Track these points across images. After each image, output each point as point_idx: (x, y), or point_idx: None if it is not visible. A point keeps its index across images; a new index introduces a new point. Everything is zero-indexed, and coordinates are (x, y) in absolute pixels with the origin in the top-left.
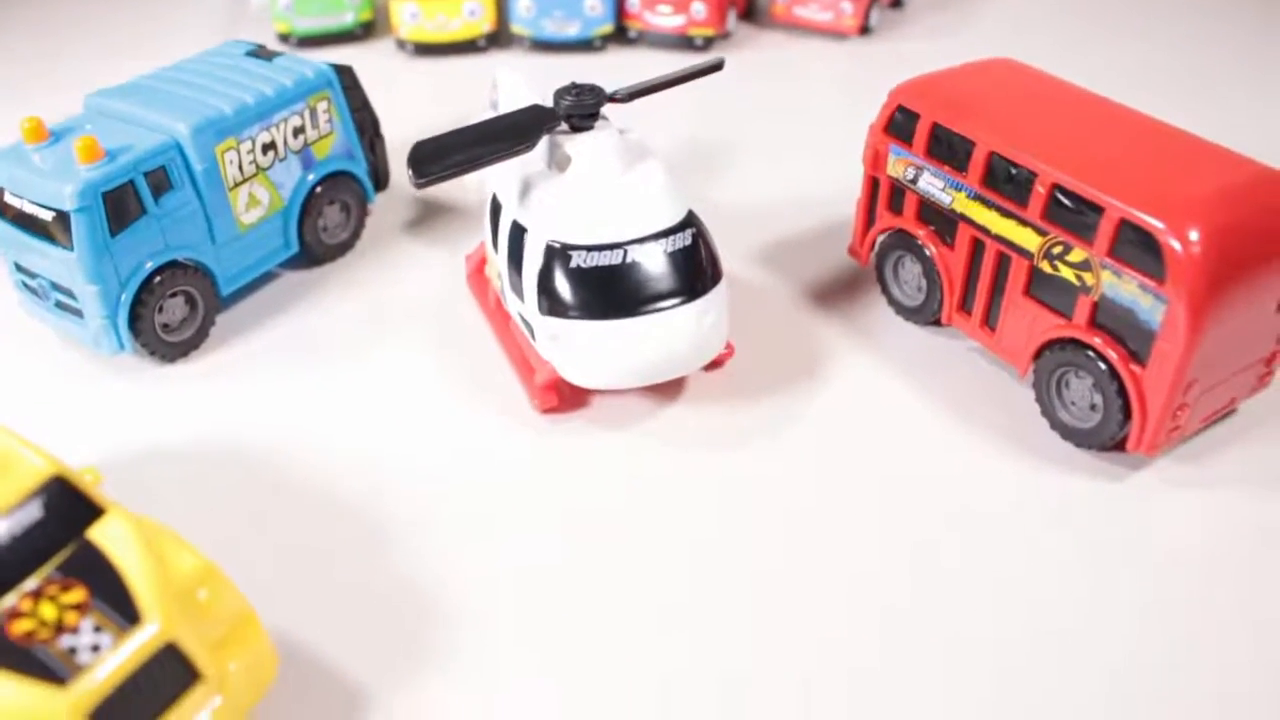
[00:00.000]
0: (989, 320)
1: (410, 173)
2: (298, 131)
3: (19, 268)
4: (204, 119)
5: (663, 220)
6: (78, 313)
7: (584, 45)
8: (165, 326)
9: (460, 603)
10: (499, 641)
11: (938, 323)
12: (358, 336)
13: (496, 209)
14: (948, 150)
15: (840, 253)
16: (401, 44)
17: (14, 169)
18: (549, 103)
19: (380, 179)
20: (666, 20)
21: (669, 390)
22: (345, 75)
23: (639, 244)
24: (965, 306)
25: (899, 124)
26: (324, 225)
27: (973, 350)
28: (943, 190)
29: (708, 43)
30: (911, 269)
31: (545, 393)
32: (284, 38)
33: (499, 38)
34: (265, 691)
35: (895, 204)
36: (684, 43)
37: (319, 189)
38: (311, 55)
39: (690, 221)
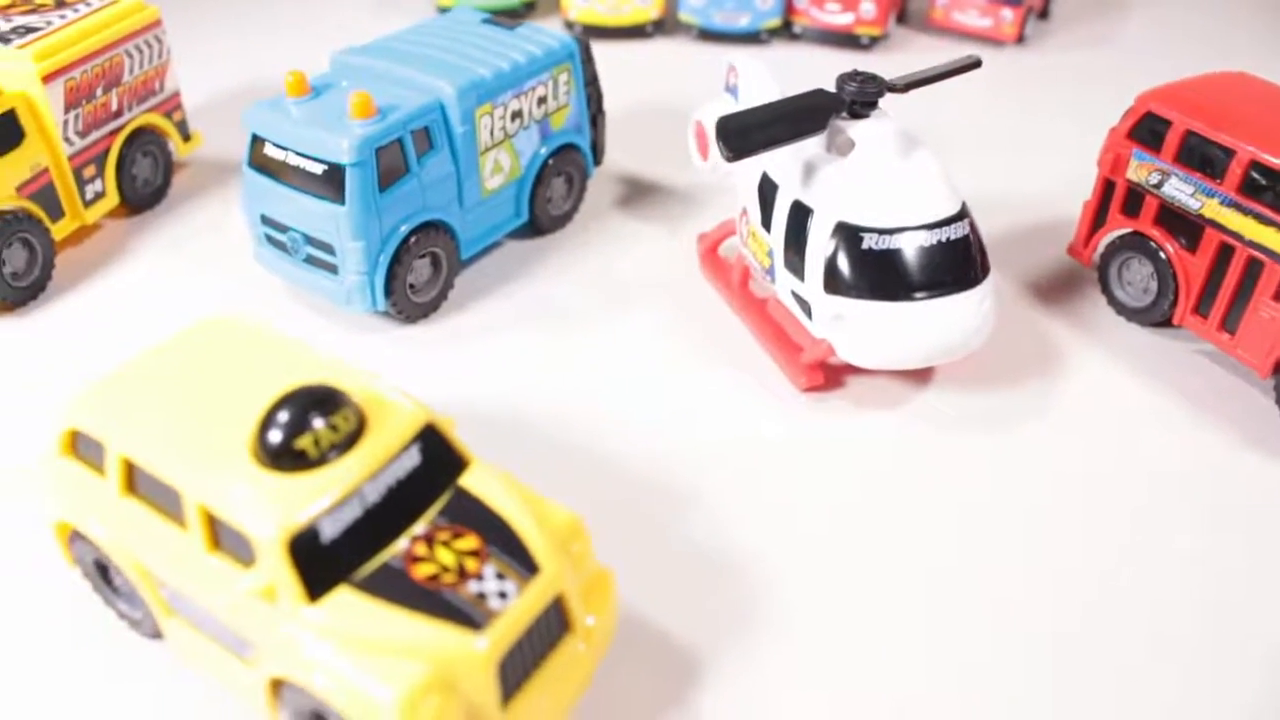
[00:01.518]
0: (1227, 323)
1: (721, 145)
2: (541, 101)
3: (266, 220)
4: (468, 81)
5: (944, 209)
6: (331, 268)
7: (750, 38)
8: (411, 287)
9: (756, 568)
10: (797, 603)
11: (1163, 324)
12: (592, 307)
13: (768, 189)
14: (1200, 157)
15: (1048, 253)
16: (570, 25)
17: (278, 121)
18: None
19: (599, 154)
20: (834, 18)
21: (919, 376)
22: (582, 48)
23: (925, 230)
24: (1201, 309)
25: (1145, 130)
26: (550, 196)
27: (1200, 352)
28: (1192, 196)
29: (873, 42)
30: (1140, 270)
31: (812, 372)
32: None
33: (665, 25)
34: (609, 647)
35: (1130, 207)
36: (849, 40)
37: (551, 160)
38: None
39: (966, 212)
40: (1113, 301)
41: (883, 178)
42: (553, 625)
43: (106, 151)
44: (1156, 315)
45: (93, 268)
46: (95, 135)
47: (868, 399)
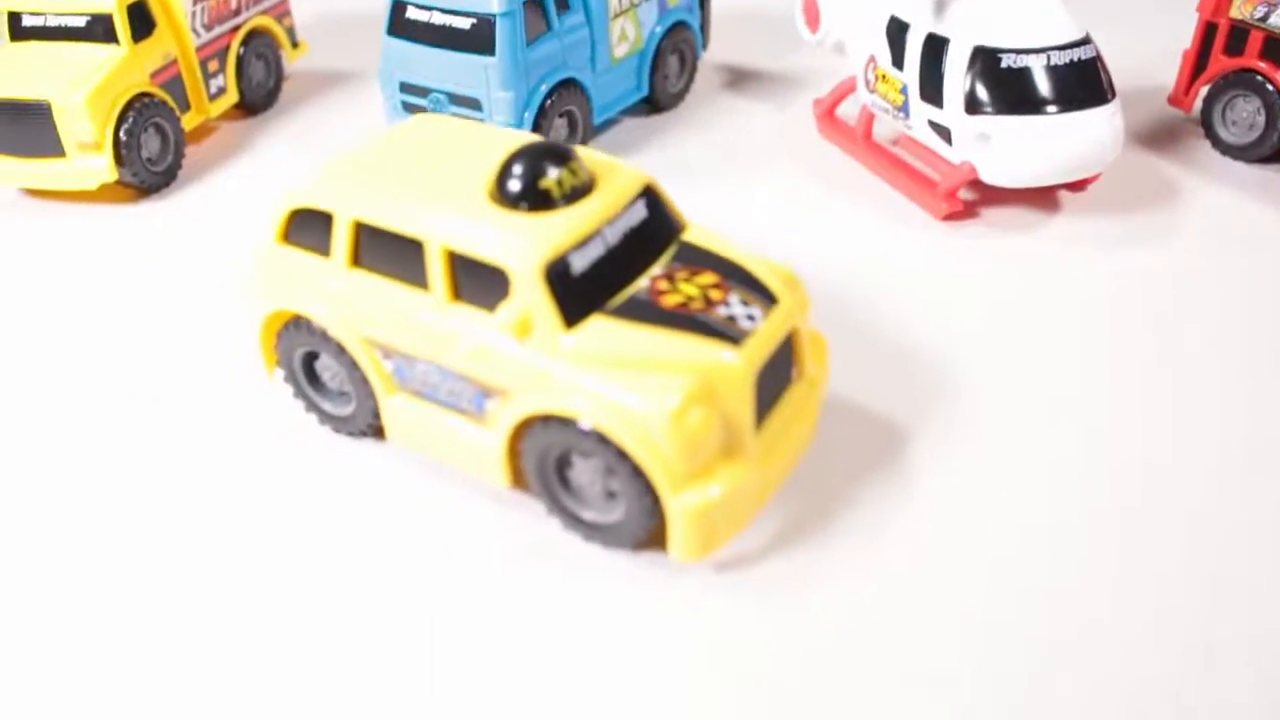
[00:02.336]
0: None
1: None
2: None
3: (405, 87)
4: None
5: (1073, 33)
6: None
7: None
8: None
9: (928, 357)
10: (976, 389)
11: (1269, 158)
12: (718, 169)
13: (897, 30)
14: None
15: (1145, 109)
16: None
17: None
18: None
19: (705, 37)
20: None
21: (1045, 203)
22: None
23: (1057, 50)
24: None
25: None
26: (666, 73)
27: None
28: None
29: None
30: (1245, 108)
31: (951, 198)
32: None
33: None
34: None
35: (1234, 46)
36: None
37: (666, 36)
38: None
39: (1091, 39)
40: (1218, 143)
41: (1011, 6)
42: (788, 363)
43: (227, 49)
44: (1265, 149)
45: (217, 161)
46: (218, 30)
47: (999, 223)
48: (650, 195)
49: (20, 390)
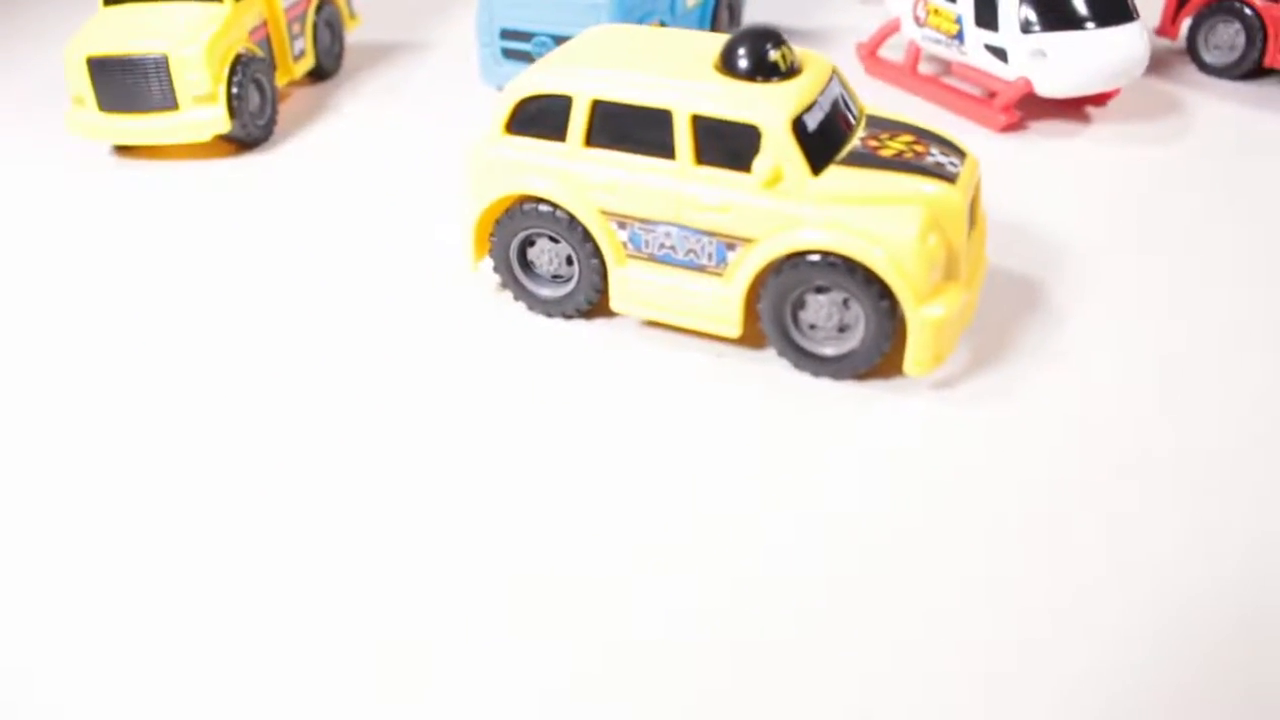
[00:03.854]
0: None
1: None
2: None
3: (507, 34)
4: None
5: None
6: None
7: None
8: None
9: (1022, 244)
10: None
11: (1249, 74)
12: None
13: None
14: None
15: None
16: None
17: None
18: None
19: None
20: None
21: (1076, 115)
22: None
23: None
24: None
25: None
26: (719, 27)
27: None
28: None
29: None
30: (1225, 31)
31: (1009, 110)
32: None
33: None
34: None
35: None
36: None
37: None
38: None
39: None
40: (1203, 66)
41: None
42: (974, 204)
43: (305, 13)
44: (1246, 66)
45: (304, 119)
46: None
47: (1047, 131)
48: (837, 76)
49: (249, 325)
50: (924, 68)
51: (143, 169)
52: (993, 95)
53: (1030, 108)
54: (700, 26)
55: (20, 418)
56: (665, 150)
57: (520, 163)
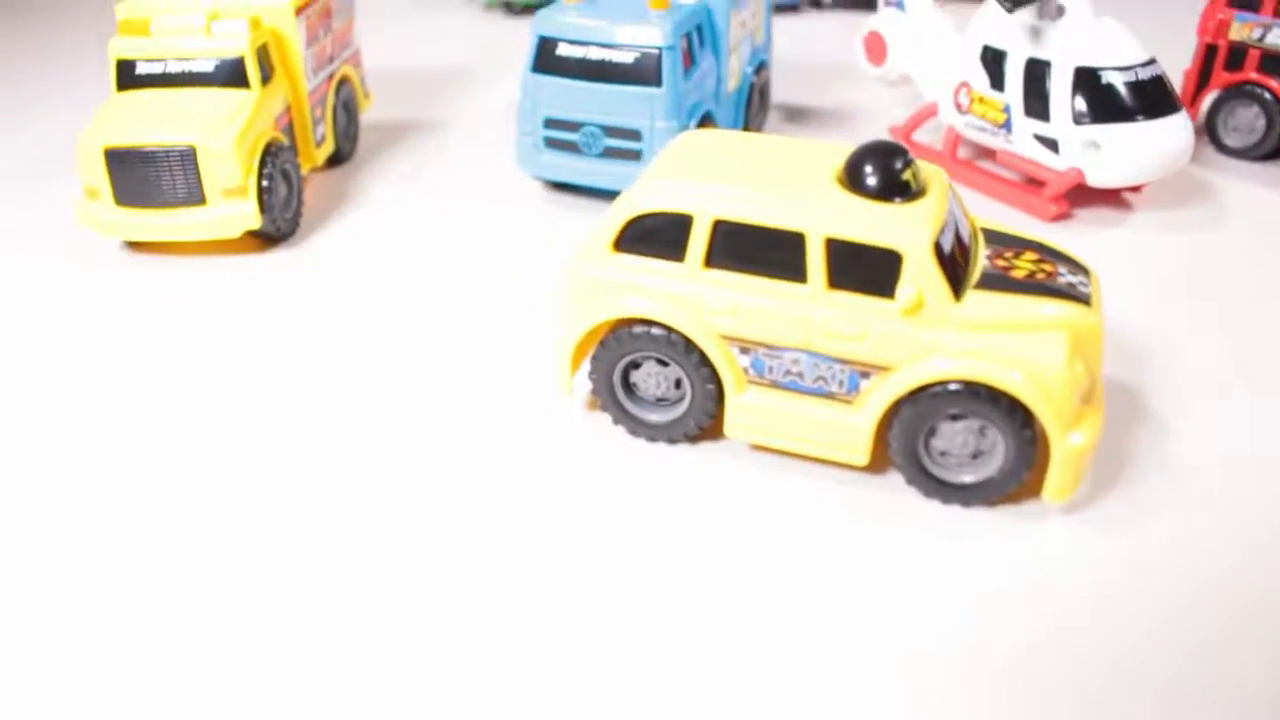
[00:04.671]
0: None
1: (1005, 3)
2: (753, 14)
3: (552, 122)
4: None
5: (1144, 53)
6: (633, 155)
7: (790, 8)
8: None
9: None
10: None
11: (1268, 156)
12: None
13: (993, 57)
14: None
15: None
16: None
17: (574, 20)
18: None
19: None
20: None
21: (1117, 202)
22: None
23: (1140, 67)
24: None
25: None
26: (752, 110)
27: None
28: None
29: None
30: (1245, 114)
31: (1060, 200)
32: (508, 4)
33: None
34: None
35: (1233, 63)
36: (870, 4)
37: (755, 74)
38: (529, 21)
39: (1154, 58)
40: (1222, 147)
41: (1096, 31)
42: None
43: (325, 96)
44: (1266, 148)
45: (327, 209)
46: (320, 77)
47: (1094, 220)
48: (952, 188)
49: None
50: (959, 152)
51: (156, 265)
52: (1038, 184)
53: (1072, 195)
54: (736, 109)
55: (42, 545)
56: (795, 273)
57: (631, 283)
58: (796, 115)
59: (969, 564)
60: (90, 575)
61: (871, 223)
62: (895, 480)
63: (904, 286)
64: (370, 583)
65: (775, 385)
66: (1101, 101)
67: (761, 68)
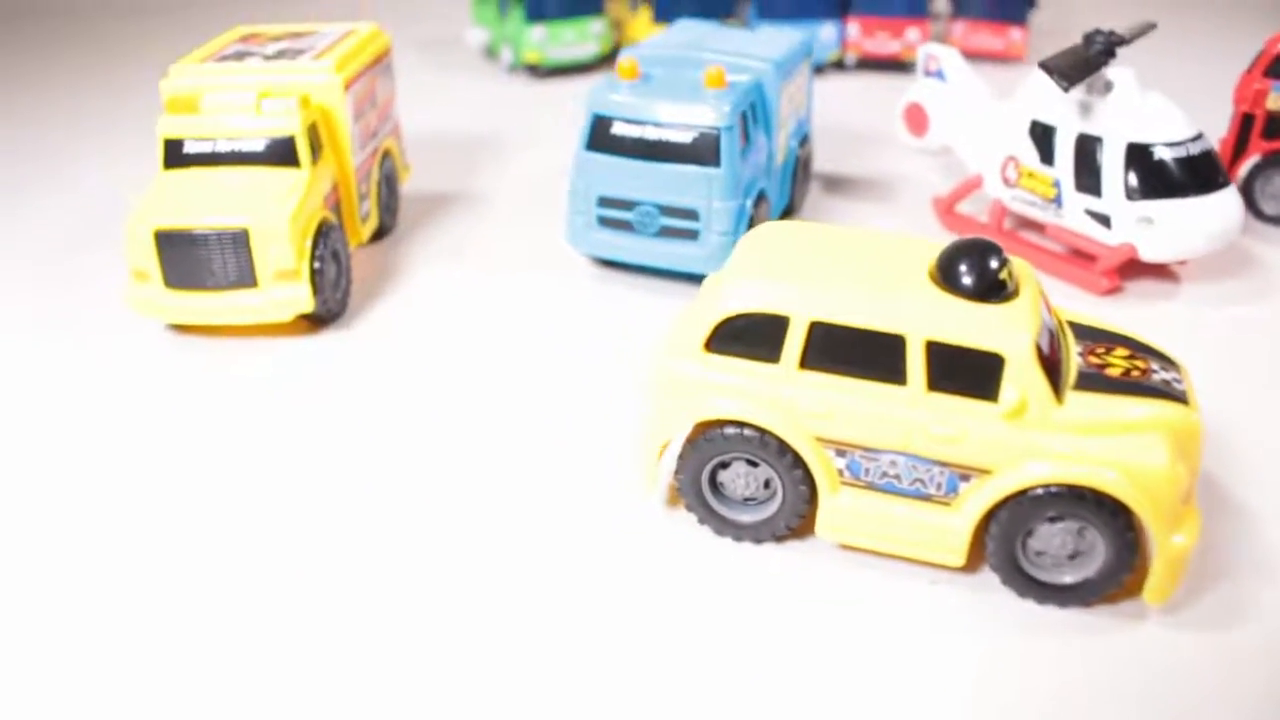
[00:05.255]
0: None
1: (1061, 81)
2: (799, 87)
3: (605, 201)
4: (777, 59)
5: (1192, 126)
6: (690, 235)
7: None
8: None
9: None
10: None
11: None
12: None
13: (1043, 132)
14: None
15: None
16: None
17: (629, 100)
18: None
19: None
20: (884, 46)
21: (1164, 274)
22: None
23: (1190, 142)
24: None
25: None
26: (797, 184)
27: None
28: None
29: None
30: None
31: (1112, 275)
32: (533, 68)
33: None
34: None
35: (1270, 131)
36: (895, 66)
37: (800, 148)
38: (556, 83)
39: (1202, 133)
40: (1260, 214)
41: (1145, 107)
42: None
43: (370, 171)
44: None
45: (371, 289)
46: (365, 152)
47: (1148, 293)
48: (1039, 283)
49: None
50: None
51: (201, 347)
52: (1086, 256)
53: (1120, 268)
54: (783, 184)
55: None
56: (893, 375)
57: (724, 384)
58: (836, 186)
59: (1068, 665)
60: (135, 668)
61: (972, 325)
62: (988, 579)
63: (1007, 390)
64: (435, 688)
65: (871, 487)
66: (1154, 177)
67: (805, 140)
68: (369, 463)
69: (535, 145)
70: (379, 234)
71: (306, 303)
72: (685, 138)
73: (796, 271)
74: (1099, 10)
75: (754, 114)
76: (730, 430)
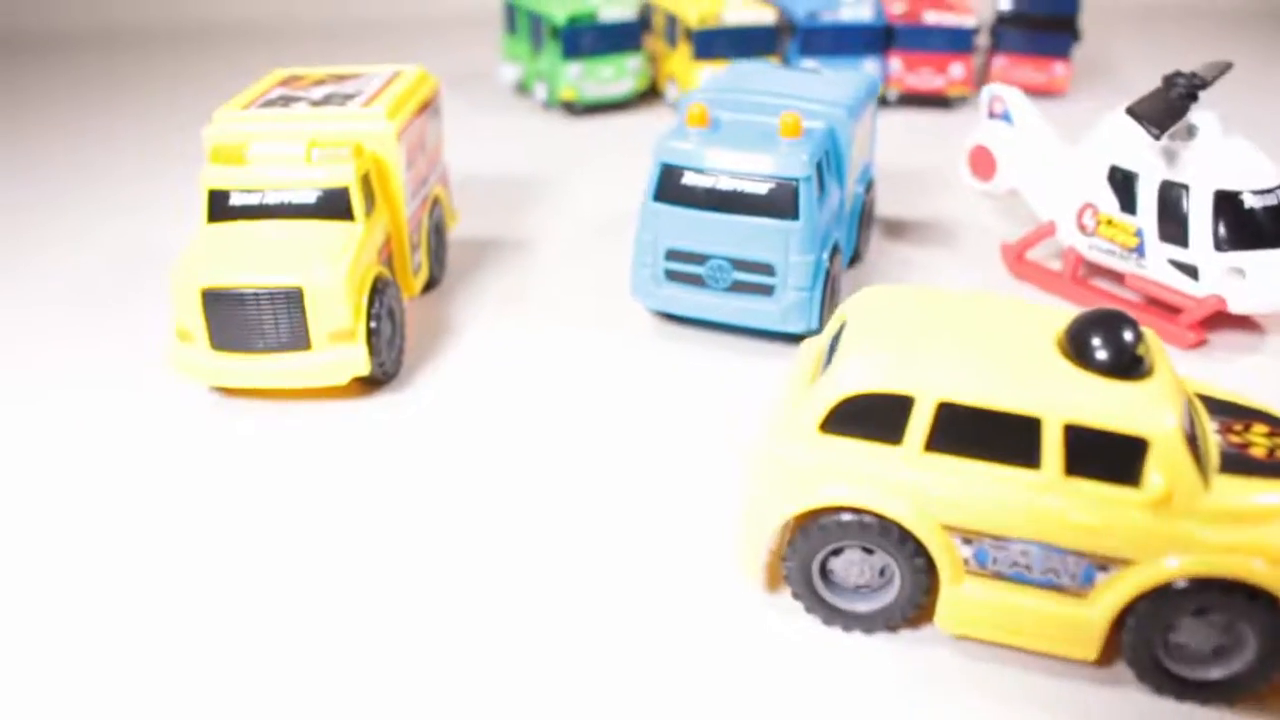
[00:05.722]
0: None
1: (1151, 128)
2: (866, 130)
3: (674, 254)
4: (852, 100)
5: (1278, 172)
6: (764, 290)
7: None
8: None
9: None
10: None
11: None
12: None
13: (1123, 179)
14: None
15: None
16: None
17: (700, 149)
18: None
19: None
20: (927, 81)
21: (1248, 325)
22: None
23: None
24: None
25: None
26: (861, 226)
27: None
28: None
29: (961, 101)
30: None
31: (1198, 328)
32: (569, 105)
33: None
34: None
35: None
36: (938, 102)
37: (866, 194)
38: (593, 121)
39: None
40: None
41: (1231, 152)
42: None
43: (421, 221)
44: None
45: (424, 345)
46: (416, 200)
47: (1229, 344)
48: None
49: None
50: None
51: (249, 410)
52: (1167, 307)
53: (1205, 321)
54: (849, 231)
55: None
56: (1027, 459)
57: (841, 469)
58: (896, 230)
59: None
60: None
61: (1114, 407)
62: (1121, 673)
63: (1152, 476)
64: None
65: (998, 576)
66: (1243, 227)
67: (870, 185)
68: (433, 539)
69: (578, 187)
70: (428, 285)
71: (363, 365)
72: (761, 189)
73: (916, 345)
74: (1141, 44)
75: (828, 162)
76: (847, 516)
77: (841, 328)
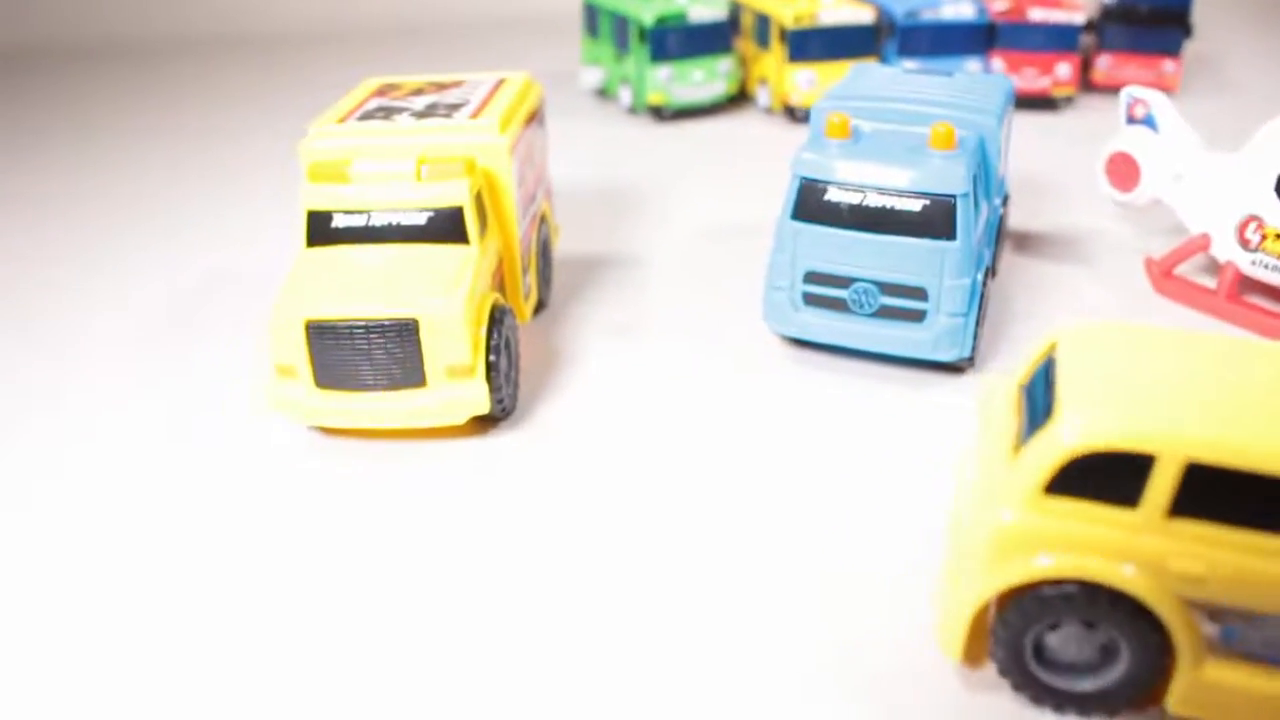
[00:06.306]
0: None
1: None
2: (1006, 137)
3: (814, 277)
4: (998, 107)
5: None
6: (914, 316)
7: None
8: None
9: None
10: None
11: None
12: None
13: None
14: None
15: None
16: (791, 111)
17: (844, 164)
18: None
19: None
20: (1032, 82)
21: None
22: None
23: None
24: None
25: None
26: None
27: None
28: None
29: (1067, 102)
30: None
31: None
32: (657, 110)
33: None
34: None
35: None
36: (1043, 103)
37: (1004, 207)
38: (683, 126)
39: None
40: None
41: None
42: None
43: (531, 242)
44: None
45: (536, 377)
46: (526, 220)
47: None
48: None
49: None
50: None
51: (352, 451)
52: None
53: None
54: (987, 240)
55: None
56: None
57: (1064, 534)
58: (1024, 244)
59: None
60: None
61: None
62: None
63: None
64: None
65: (1249, 657)
66: None
67: (1007, 199)
68: (575, 592)
69: (678, 197)
70: (536, 309)
71: (483, 403)
72: (913, 206)
73: (1150, 395)
74: (1248, 38)
75: (980, 175)
76: (1071, 588)
77: (1048, 370)
